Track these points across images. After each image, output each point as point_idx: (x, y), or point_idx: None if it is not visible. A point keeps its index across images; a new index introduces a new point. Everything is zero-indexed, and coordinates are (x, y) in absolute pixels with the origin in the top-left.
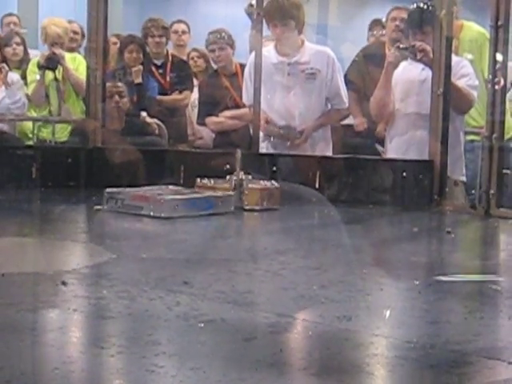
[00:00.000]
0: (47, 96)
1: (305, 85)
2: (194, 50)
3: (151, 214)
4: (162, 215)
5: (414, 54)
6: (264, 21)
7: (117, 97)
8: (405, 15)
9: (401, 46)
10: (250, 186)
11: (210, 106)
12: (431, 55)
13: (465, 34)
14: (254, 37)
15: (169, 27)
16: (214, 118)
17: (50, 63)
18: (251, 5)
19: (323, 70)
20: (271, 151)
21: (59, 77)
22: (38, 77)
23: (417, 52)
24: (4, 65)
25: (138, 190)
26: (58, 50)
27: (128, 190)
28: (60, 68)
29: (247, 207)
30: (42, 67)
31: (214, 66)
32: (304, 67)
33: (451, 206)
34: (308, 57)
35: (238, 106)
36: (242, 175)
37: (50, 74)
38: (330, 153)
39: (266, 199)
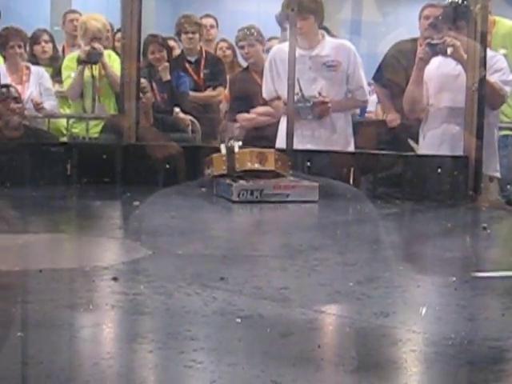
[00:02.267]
0: (82, 92)
1: (326, 77)
2: (223, 40)
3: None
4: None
5: (444, 50)
6: (284, 16)
7: (140, 93)
8: (438, 12)
9: (431, 42)
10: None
11: (241, 103)
12: (461, 51)
13: (498, 29)
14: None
15: (202, 24)
16: (245, 115)
17: (91, 58)
18: (282, 13)
19: (344, 63)
20: (302, 146)
21: (96, 73)
22: (72, 74)
23: (447, 48)
24: (28, 63)
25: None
26: (98, 45)
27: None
28: (98, 64)
29: (239, 169)
30: (82, 62)
31: (244, 63)
32: (325, 60)
33: (486, 202)
34: (329, 50)
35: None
36: (232, 143)
37: (87, 70)
38: (351, 135)
39: (257, 161)
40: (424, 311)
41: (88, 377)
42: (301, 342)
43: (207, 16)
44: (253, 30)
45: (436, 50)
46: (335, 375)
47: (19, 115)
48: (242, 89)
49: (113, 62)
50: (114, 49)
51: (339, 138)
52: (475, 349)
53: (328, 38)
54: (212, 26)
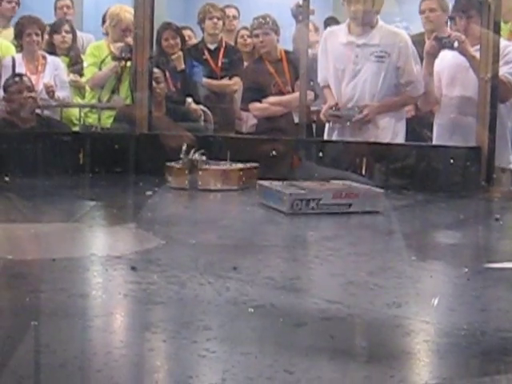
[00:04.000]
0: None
1: (372, 68)
2: (245, 28)
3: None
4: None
5: (451, 44)
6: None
7: (154, 83)
8: (435, 5)
9: (438, 36)
10: (204, 166)
11: (253, 92)
12: (467, 45)
13: None
14: (300, 31)
15: (226, 12)
16: (257, 104)
17: (126, 53)
18: (299, 5)
19: (393, 54)
20: (336, 138)
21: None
22: (91, 61)
23: (453, 42)
24: (44, 52)
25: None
26: (130, 40)
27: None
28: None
29: (201, 187)
30: (116, 59)
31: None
32: (373, 50)
33: (498, 193)
34: (378, 39)
35: (282, 92)
36: (195, 156)
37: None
38: (401, 139)
39: (220, 180)
40: (436, 302)
41: (101, 366)
42: (313, 332)
43: (230, 6)
44: (268, 19)
45: (443, 43)
46: (348, 365)
47: (32, 105)
48: (255, 78)
49: None
50: None
51: (385, 133)
52: (488, 339)
53: (382, 25)
54: (234, 17)
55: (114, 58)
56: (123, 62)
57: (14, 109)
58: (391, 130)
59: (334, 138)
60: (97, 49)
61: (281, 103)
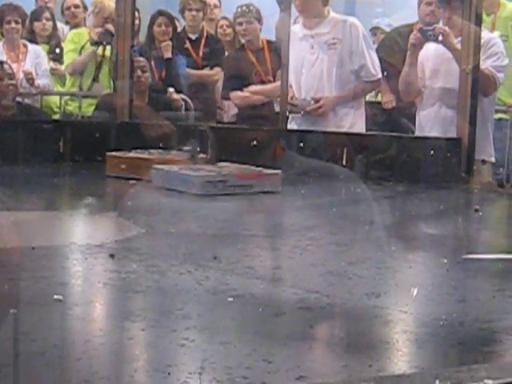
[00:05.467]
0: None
1: (326, 56)
2: (224, 18)
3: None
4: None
5: (435, 37)
6: None
7: (139, 71)
8: None
9: (423, 28)
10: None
11: (235, 81)
12: (452, 38)
13: (501, 12)
14: (282, 19)
15: (206, 2)
16: (238, 93)
17: (105, 39)
18: None
19: (345, 41)
20: (296, 128)
21: (107, 53)
22: (71, 47)
23: (438, 35)
24: (25, 41)
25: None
26: (110, 26)
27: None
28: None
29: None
30: (94, 43)
31: (242, 40)
32: (325, 38)
33: (478, 185)
34: (329, 27)
35: (263, 81)
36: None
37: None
38: (361, 130)
39: None
40: (415, 292)
41: (80, 354)
42: (292, 322)
43: None
44: (251, 7)
45: (427, 36)
46: (327, 355)
47: (13, 92)
48: (237, 67)
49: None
50: None
51: (346, 121)
52: (466, 330)
53: (332, 15)
54: (216, 6)
55: (93, 43)
56: (102, 48)
57: None
58: (350, 119)
59: (295, 127)
60: (77, 35)
61: (262, 92)
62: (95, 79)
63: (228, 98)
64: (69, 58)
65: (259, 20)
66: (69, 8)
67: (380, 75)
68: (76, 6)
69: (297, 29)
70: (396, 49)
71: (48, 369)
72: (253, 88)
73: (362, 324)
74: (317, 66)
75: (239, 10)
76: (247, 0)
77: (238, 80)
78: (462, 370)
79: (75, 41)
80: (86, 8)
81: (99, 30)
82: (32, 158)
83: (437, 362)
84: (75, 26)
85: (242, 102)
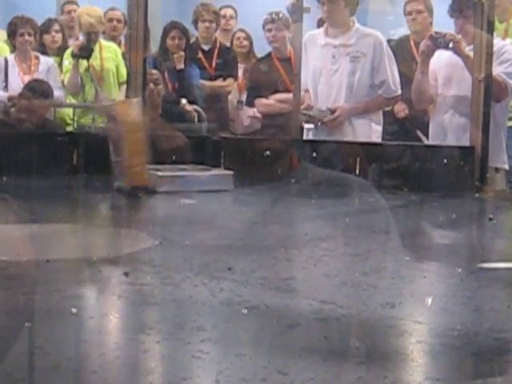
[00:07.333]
0: (83, 84)
1: (348, 68)
2: (241, 30)
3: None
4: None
5: (445, 44)
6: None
7: (151, 85)
8: (421, 7)
9: (434, 35)
10: None
11: (260, 89)
12: (462, 46)
13: None
14: (294, 31)
15: (219, 13)
16: (263, 100)
17: (83, 52)
18: (295, 4)
19: (369, 55)
20: (312, 138)
21: (97, 65)
22: (66, 63)
23: (448, 42)
24: (36, 53)
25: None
26: (89, 40)
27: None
28: (97, 56)
29: None
30: (75, 56)
31: (261, 55)
32: (349, 50)
33: (492, 193)
34: (355, 39)
35: (288, 90)
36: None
37: (84, 63)
38: (377, 140)
39: None
40: (430, 302)
41: (95, 367)
42: (307, 333)
43: (227, 6)
44: (281, 15)
45: (438, 43)
46: (341, 366)
47: (45, 110)
48: (263, 74)
49: (111, 53)
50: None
51: (361, 132)
52: (481, 340)
53: (358, 27)
54: (231, 17)
55: (72, 56)
56: (78, 60)
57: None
58: (367, 132)
59: (311, 137)
60: (69, 55)
61: (287, 101)
62: (97, 90)
63: (253, 105)
64: (66, 77)
65: (288, 28)
66: (111, 20)
67: (399, 92)
68: (118, 21)
69: (318, 35)
70: (405, 56)
71: (63, 382)
72: (278, 96)
73: (377, 335)
74: (336, 77)
75: (269, 16)
76: (260, 11)
77: (264, 88)
78: None
79: (68, 59)
80: (125, 22)
81: (78, 42)
82: (46, 170)
83: (452, 374)
84: (112, 39)
85: (267, 110)
